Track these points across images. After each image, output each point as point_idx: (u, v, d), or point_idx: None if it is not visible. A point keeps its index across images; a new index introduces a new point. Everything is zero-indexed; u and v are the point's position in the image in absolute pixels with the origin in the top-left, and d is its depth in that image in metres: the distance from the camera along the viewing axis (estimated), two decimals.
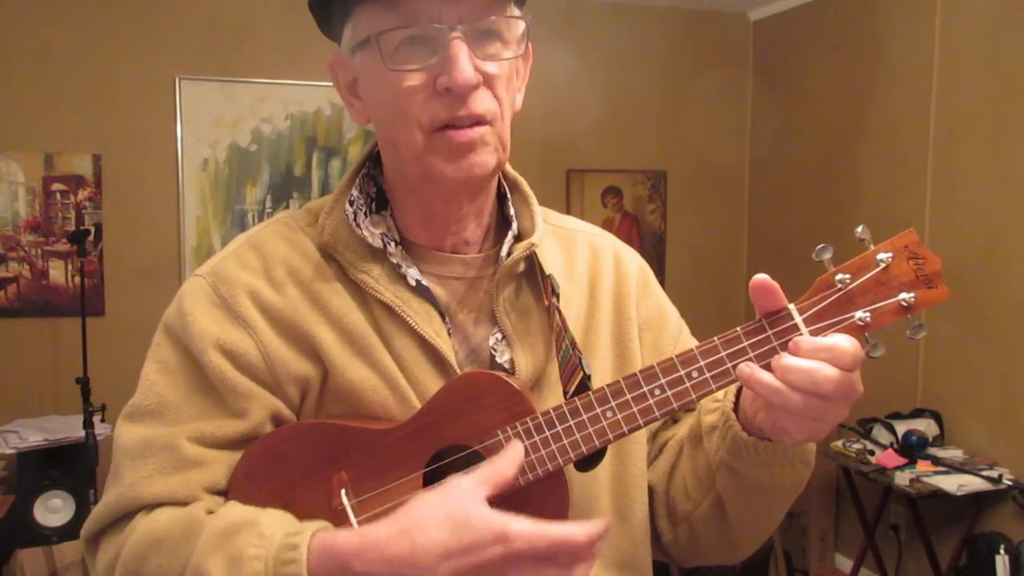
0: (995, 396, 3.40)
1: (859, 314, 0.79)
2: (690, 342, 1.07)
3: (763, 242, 4.84)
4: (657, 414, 0.83)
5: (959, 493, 3.15)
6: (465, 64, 0.85)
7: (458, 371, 0.92)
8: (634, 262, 1.09)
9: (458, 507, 0.78)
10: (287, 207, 4.09)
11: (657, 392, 0.83)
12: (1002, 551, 3.10)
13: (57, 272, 3.85)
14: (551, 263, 1.00)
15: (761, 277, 0.80)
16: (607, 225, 4.04)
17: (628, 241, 1.18)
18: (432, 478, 0.87)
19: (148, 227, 3.95)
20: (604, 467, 0.95)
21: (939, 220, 3.61)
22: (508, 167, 1.01)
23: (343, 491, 0.88)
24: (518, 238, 0.99)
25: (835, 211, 4.18)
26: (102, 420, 3.35)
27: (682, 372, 0.82)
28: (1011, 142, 3.30)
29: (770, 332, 0.80)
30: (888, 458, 3.40)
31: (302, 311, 0.92)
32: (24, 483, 3.26)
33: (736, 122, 4.90)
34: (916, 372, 3.73)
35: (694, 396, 0.82)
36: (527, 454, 0.85)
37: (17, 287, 3.80)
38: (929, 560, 3.52)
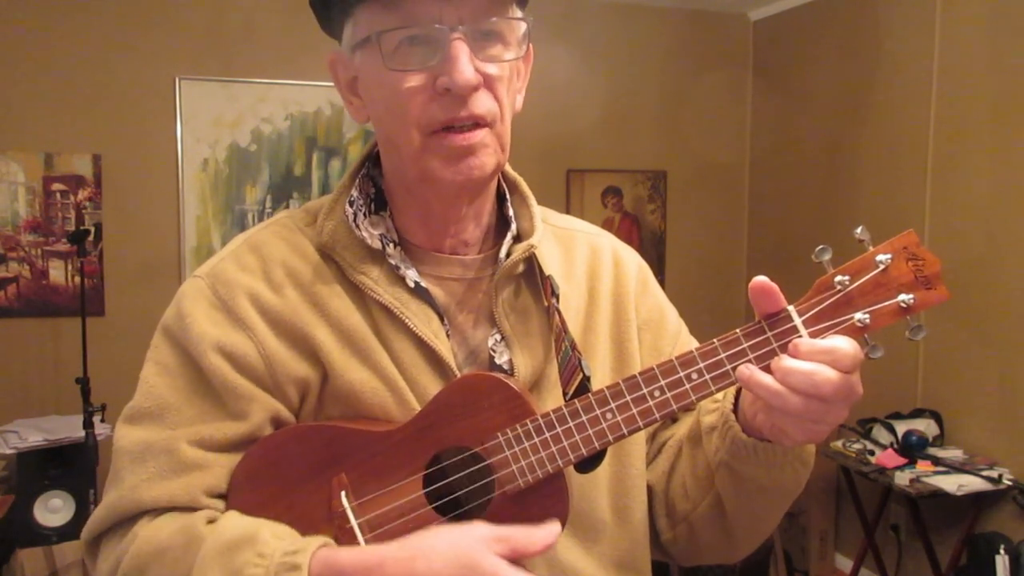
0: (995, 396, 3.40)
1: (858, 316, 0.79)
2: (689, 342, 1.07)
3: (763, 242, 4.83)
4: (657, 416, 0.83)
5: (959, 493, 3.15)
6: (465, 65, 0.84)
7: (457, 373, 0.92)
8: (633, 262, 1.09)
9: (470, 550, 0.78)
10: (287, 207, 4.06)
11: (657, 394, 0.83)
12: (1002, 551, 3.09)
13: (57, 272, 3.84)
14: (550, 264, 1.00)
15: (760, 279, 0.80)
16: (607, 225, 4.04)
17: (628, 241, 1.18)
18: (432, 480, 0.88)
19: (148, 227, 3.95)
20: (603, 467, 0.94)
21: (939, 221, 3.61)
22: (508, 167, 1.01)
23: (343, 493, 0.88)
24: (517, 239, 0.99)
25: (835, 211, 4.18)
26: (102, 420, 3.35)
27: (682, 374, 0.82)
28: (1011, 143, 3.30)
29: (770, 334, 0.80)
30: (888, 458, 3.40)
31: (301, 313, 0.91)
32: (24, 483, 3.25)
33: (736, 122, 4.89)
34: (916, 372, 3.73)
35: (694, 398, 0.82)
36: (527, 455, 0.85)
37: (17, 287, 3.79)
38: (929, 560, 3.52)
